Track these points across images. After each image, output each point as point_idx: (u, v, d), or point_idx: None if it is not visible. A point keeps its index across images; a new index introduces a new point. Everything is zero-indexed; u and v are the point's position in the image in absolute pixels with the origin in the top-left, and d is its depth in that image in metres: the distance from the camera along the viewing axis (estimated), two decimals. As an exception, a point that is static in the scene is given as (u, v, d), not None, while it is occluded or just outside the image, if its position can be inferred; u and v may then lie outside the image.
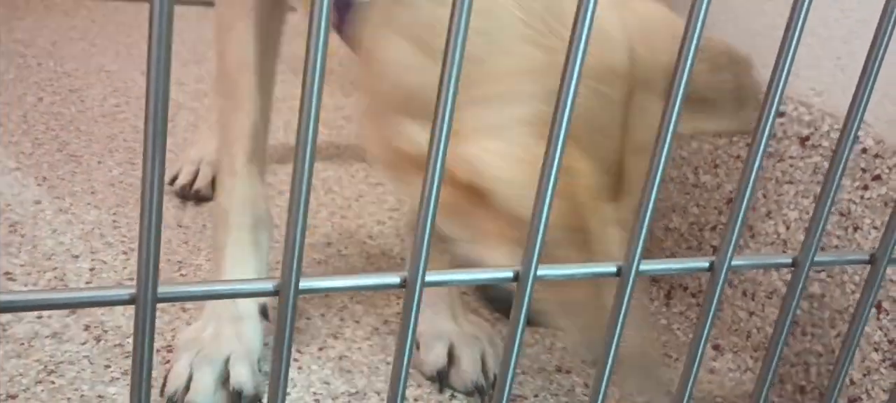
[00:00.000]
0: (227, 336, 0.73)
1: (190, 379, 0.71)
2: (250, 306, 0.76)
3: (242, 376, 0.72)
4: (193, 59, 1.66)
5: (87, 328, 0.80)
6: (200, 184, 1.11)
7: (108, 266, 0.91)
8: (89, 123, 1.28)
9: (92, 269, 0.90)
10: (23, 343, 0.77)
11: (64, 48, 1.60)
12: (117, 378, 0.74)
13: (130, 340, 0.79)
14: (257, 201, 0.79)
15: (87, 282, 0.88)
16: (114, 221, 1.01)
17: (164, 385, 0.72)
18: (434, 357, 0.80)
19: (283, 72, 1.71)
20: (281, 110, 1.47)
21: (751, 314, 0.89)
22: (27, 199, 1.03)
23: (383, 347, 0.84)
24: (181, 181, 1.10)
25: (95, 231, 0.98)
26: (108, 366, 0.75)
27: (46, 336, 0.78)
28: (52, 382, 0.73)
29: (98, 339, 0.79)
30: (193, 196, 1.09)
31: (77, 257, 0.92)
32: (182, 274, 0.92)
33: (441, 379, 0.79)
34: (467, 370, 0.79)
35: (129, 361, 0.76)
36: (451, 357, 0.80)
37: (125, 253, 0.94)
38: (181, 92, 1.46)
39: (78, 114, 1.31)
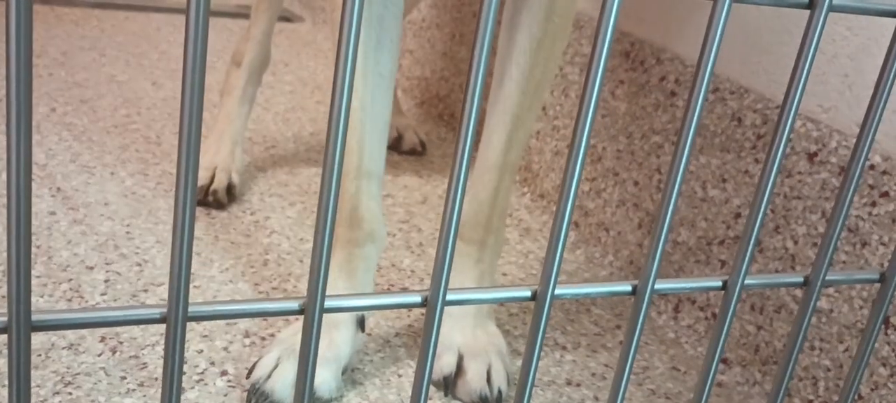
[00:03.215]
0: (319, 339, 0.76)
1: (274, 370, 0.75)
2: (346, 315, 0.79)
3: (319, 379, 0.76)
4: (203, 70, 1.67)
5: (102, 339, 0.81)
6: (216, 186, 1.13)
7: (123, 277, 0.92)
8: (101, 134, 1.29)
9: (106, 281, 0.91)
10: (40, 355, 0.78)
11: (74, 58, 1.61)
12: (133, 390, 0.75)
13: (145, 352, 0.80)
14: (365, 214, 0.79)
15: (103, 294, 0.89)
16: (127, 233, 1.02)
17: (251, 372, 0.77)
18: (442, 365, 0.81)
19: (291, 84, 1.73)
20: (290, 120, 1.48)
21: (759, 328, 0.90)
22: (42, 210, 1.04)
23: (395, 359, 0.85)
24: (198, 182, 1.12)
25: (109, 242, 0.99)
26: (123, 378, 0.76)
27: (63, 348, 0.79)
28: (70, 393, 0.73)
29: (114, 351, 0.80)
30: (211, 200, 1.12)
31: (92, 268, 0.93)
32: (195, 287, 0.93)
33: (447, 386, 0.81)
34: (472, 381, 0.80)
35: (144, 372, 0.78)
36: (459, 367, 0.81)
37: (139, 264, 0.95)
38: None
39: (90, 124, 1.32)
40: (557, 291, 0.44)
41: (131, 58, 1.67)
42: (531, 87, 0.77)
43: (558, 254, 0.43)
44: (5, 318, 0.34)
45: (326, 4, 0.79)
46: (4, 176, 1.11)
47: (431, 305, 0.42)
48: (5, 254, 0.93)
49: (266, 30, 1.19)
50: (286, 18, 2.15)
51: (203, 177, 1.13)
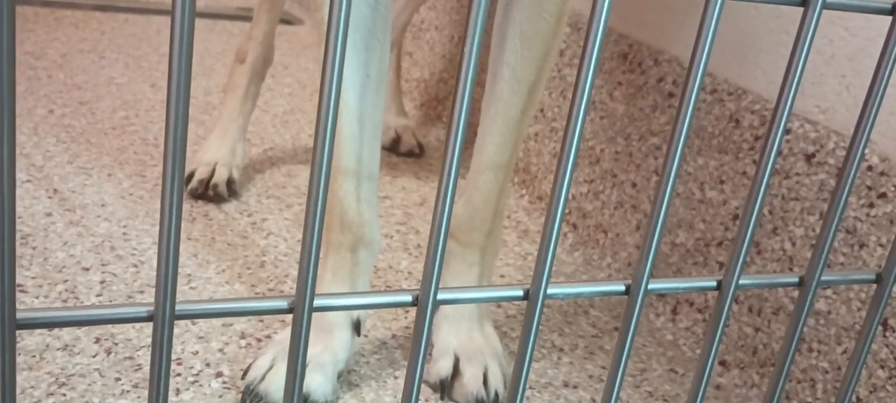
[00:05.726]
0: (314, 342, 0.76)
1: (268, 371, 0.75)
2: (342, 318, 0.78)
3: (314, 383, 0.75)
4: (201, 72, 1.67)
5: (97, 340, 0.81)
6: (216, 180, 1.14)
7: (119, 278, 0.92)
8: (99, 136, 1.29)
9: (102, 282, 0.91)
10: (34, 356, 0.77)
11: (74, 60, 1.61)
12: (128, 391, 0.75)
13: (140, 353, 0.80)
14: (361, 220, 0.79)
15: (98, 295, 0.88)
16: (124, 234, 1.01)
17: (246, 373, 0.77)
18: (438, 368, 0.81)
19: (289, 86, 1.73)
20: (288, 123, 1.48)
21: (757, 330, 0.90)
22: (38, 212, 1.04)
23: (391, 361, 0.85)
24: (199, 176, 1.14)
25: (106, 243, 0.99)
26: (118, 379, 0.76)
27: (58, 349, 0.79)
28: (64, 395, 0.73)
29: (108, 352, 0.79)
30: (211, 193, 1.12)
31: (88, 270, 0.93)
32: (191, 288, 0.93)
33: (443, 389, 0.80)
34: (468, 384, 0.80)
35: (139, 374, 0.77)
36: (455, 370, 0.81)
37: (135, 266, 0.95)
38: (190, 105, 1.47)
39: (88, 126, 1.32)
40: (549, 290, 0.44)
41: (131, 60, 1.67)
42: (523, 88, 0.77)
43: (550, 253, 0.42)
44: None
45: (310, 3, 0.78)
46: None
47: (422, 304, 0.41)
48: None
49: (268, 31, 1.19)
50: (286, 21, 2.15)
51: (204, 172, 1.14)
